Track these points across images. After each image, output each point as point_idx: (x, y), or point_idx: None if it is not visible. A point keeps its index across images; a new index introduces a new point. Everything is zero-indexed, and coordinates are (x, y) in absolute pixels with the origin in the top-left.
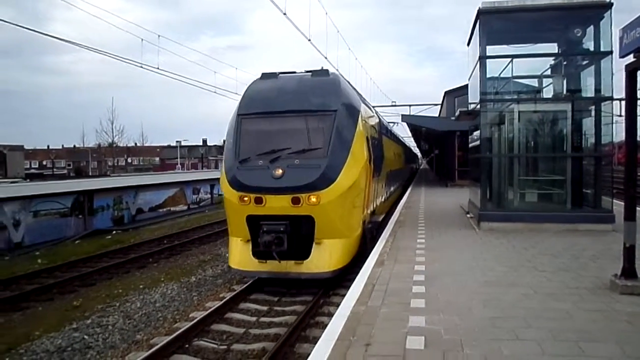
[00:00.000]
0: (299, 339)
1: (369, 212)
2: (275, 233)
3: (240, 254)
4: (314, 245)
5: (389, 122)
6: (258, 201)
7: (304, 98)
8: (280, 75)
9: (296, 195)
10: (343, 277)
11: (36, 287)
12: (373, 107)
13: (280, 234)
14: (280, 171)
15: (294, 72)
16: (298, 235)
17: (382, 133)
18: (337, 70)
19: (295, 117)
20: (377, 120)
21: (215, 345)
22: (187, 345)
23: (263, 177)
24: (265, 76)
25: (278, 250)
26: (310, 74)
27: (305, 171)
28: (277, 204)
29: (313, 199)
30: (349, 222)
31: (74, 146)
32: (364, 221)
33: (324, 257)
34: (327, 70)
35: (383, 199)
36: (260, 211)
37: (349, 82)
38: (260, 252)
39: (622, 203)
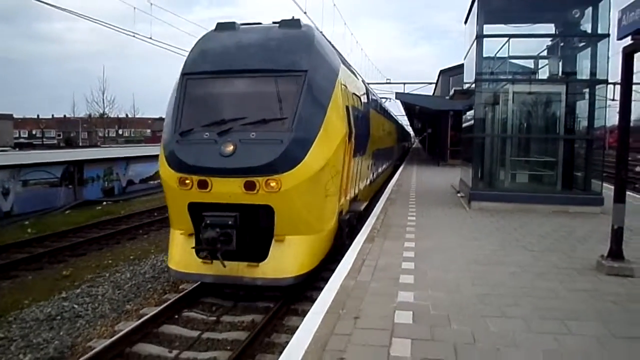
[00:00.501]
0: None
1: (347, 199)
2: (221, 227)
3: (181, 252)
4: (273, 243)
5: (381, 98)
6: (202, 185)
7: (266, 55)
8: (241, 26)
9: (250, 179)
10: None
11: (26, 256)
12: (367, 83)
13: (228, 228)
14: (231, 147)
15: (259, 24)
16: (253, 230)
17: (369, 105)
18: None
19: (253, 78)
20: (364, 89)
21: (204, 317)
22: (176, 316)
23: (209, 154)
24: (221, 27)
25: (225, 249)
26: (277, 24)
27: (263, 147)
28: (226, 189)
29: (272, 184)
30: (320, 214)
31: (64, 116)
32: (340, 211)
33: (286, 259)
34: (298, 20)
35: (368, 182)
36: (205, 198)
37: (327, 39)
38: (204, 249)
39: (612, 186)
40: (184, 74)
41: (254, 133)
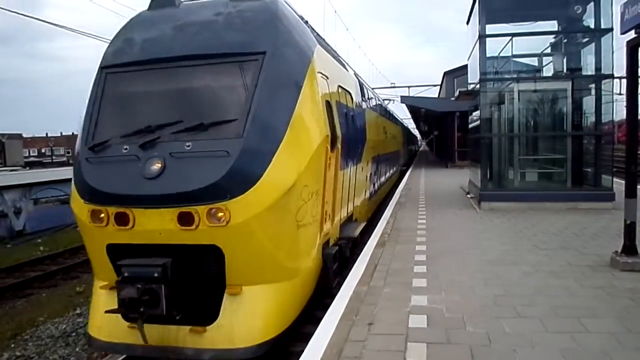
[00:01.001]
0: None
1: (336, 223)
2: (144, 282)
3: (102, 313)
4: (225, 297)
5: (383, 100)
6: (120, 220)
7: (209, 35)
8: (183, 2)
9: (186, 209)
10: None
11: (39, 274)
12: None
13: (154, 283)
14: (157, 164)
15: None
16: (194, 282)
17: (364, 103)
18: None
19: (191, 67)
20: (355, 83)
21: None
22: None
23: (128, 175)
24: (156, 5)
25: (151, 313)
26: None
27: (202, 163)
28: (154, 225)
29: (218, 215)
30: (291, 251)
31: (72, 133)
32: (325, 242)
33: (243, 320)
34: None
35: (367, 196)
36: (126, 238)
37: (297, 14)
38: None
39: (622, 181)
40: (102, 68)
41: (189, 143)
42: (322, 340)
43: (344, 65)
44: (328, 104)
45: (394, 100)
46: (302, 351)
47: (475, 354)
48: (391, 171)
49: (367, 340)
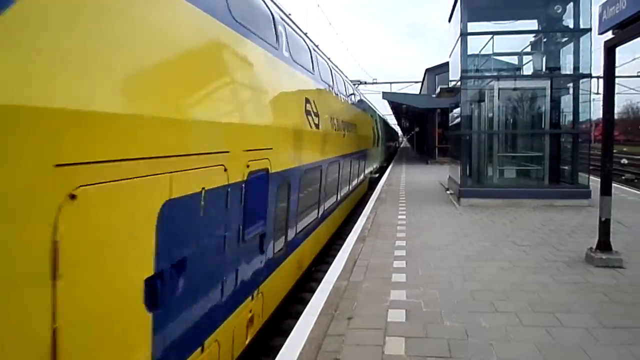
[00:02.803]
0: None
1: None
2: None
3: None
4: None
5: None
6: None
7: None
8: None
9: None
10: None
11: None
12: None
13: None
14: None
15: None
16: None
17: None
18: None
19: None
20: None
21: None
22: None
23: None
24: None
25: None
26: None
27: None
28: None
29: None
30: None
31: None
32: None
33: None
34: None
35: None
36: None
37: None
38: None
39: (599, 179)
40: None
41: None
42: (302, 334)
43: None
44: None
45: (365, 82)
46: (281, 346)
47: (453, 348)
48: (358, 178)
49: (346, 335)
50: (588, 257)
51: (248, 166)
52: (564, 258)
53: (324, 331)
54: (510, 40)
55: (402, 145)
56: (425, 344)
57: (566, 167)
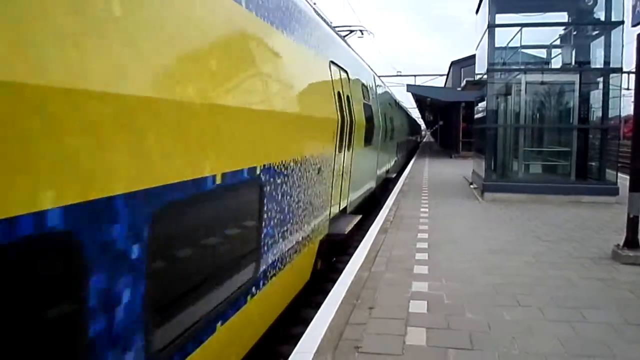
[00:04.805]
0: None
1: None
2: None
3: None
4: None
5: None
6: None
7: None
8: None
9: None
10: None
11: None
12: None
13: None
14: None
15: None
16: None
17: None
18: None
19: None
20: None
21: None
22: None
23: None
24: None
25: None
26: None
27: None
28: None
29: None
30: None
31: None
32: None
33: None
34: None
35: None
36: None
37: None
38: None
39: (626, 176)
40: None
41: None
42: (323, 322)
43: None
44: None
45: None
46: (302, 334)
47: (475, 340)
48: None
49: (367, 324)
50: (615, 254)
51: None
52: (589, 254)
53: (345, 320)
54: (538, 32)
55: (424, 140)
56: (446, 335)
57: (593, 164)
